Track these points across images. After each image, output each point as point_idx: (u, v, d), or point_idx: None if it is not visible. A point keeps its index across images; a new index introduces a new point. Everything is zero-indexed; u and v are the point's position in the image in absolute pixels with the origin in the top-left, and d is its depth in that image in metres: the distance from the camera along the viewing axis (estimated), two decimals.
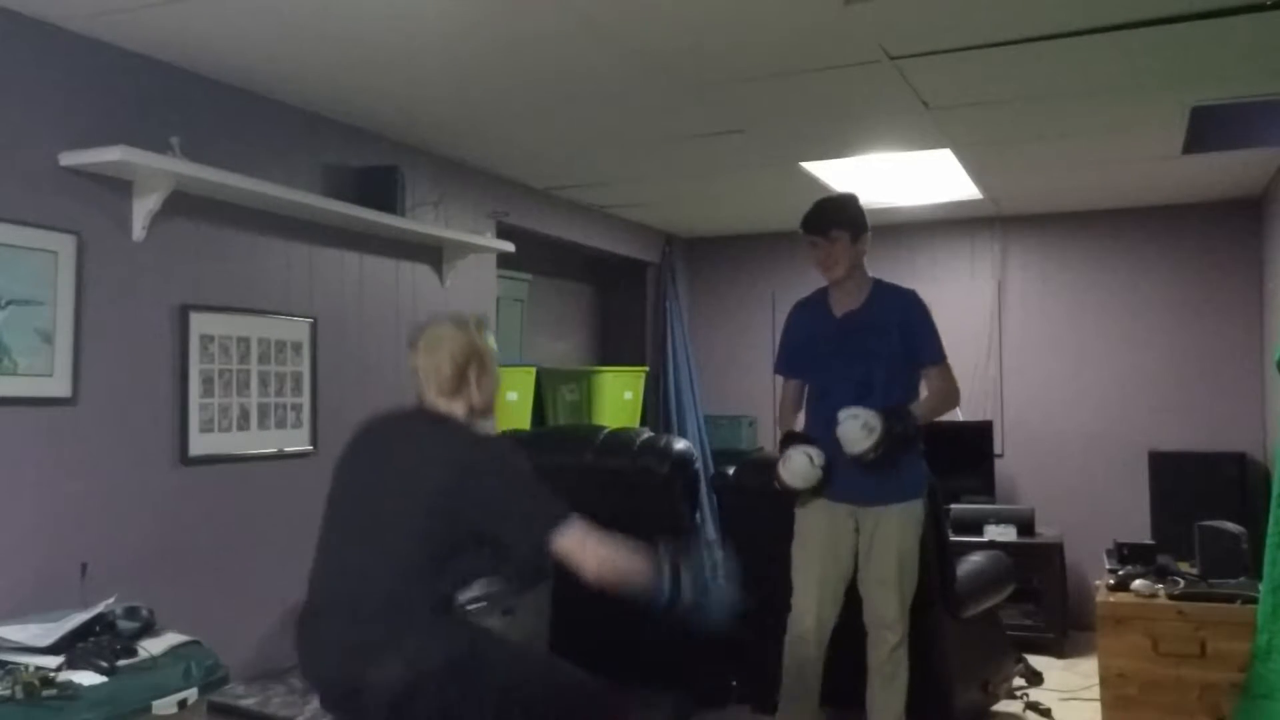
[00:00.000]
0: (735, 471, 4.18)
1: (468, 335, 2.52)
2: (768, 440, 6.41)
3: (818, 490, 3.29)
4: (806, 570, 3.35)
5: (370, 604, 2.35)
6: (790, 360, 3.55)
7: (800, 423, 3.49)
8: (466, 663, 2.33)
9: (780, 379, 3.63)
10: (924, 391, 3.42)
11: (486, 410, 2.58)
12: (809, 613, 3.32)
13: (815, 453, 3.23)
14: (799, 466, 3.25)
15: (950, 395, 3.43)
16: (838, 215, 3.36)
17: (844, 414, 3.17)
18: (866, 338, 3.32)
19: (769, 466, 4.34)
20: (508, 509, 2.35)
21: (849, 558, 3.34)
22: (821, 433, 3.29)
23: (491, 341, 2.58)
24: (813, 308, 3.51)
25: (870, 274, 3.44)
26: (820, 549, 3.33)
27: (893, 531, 3.30)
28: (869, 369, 3.28)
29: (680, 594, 2.38)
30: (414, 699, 2.29)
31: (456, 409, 2.51)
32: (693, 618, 2.42)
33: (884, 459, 3.16)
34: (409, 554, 2.35)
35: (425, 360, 2.51)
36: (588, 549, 2.31)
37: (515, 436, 2.50)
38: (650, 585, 2.35)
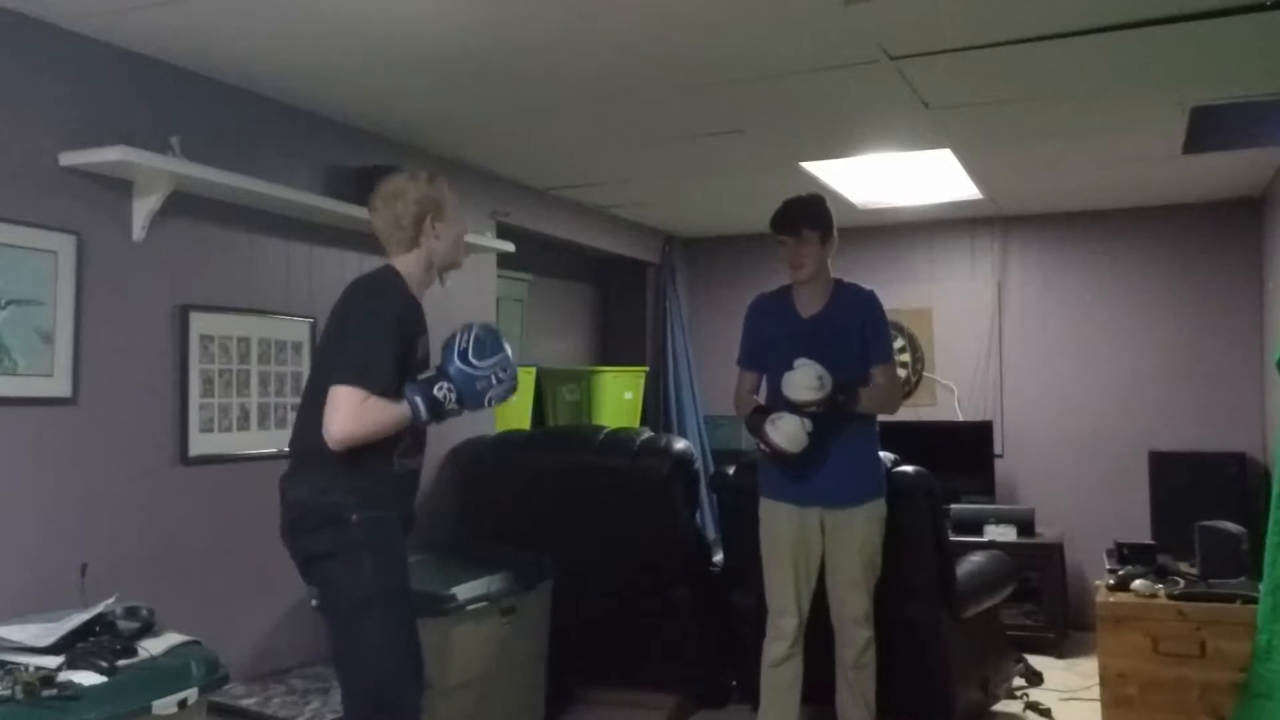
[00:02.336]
0: (735, 471, 4.18)
1: (421, 187, 2.67)
2: None
3: (793, 464, 3.31)
4: (783, 572, 3.40)
5: (297, 443, 2.62)
6: (754, 355, 3.59)
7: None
8: (352, 531, 2.49)
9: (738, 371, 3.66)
10: None
11: (452, 259, 2.76)
12: (792, 614, 3.38)
13: (806, 420, 3.26)
14: (792, 428, 3.25)
15: (893, 393, 3.53)
16: (809, 215, 3.41)
17: (800, 361, 3.25)
18: (832, 340, 3.37)
19: None
20: (340, 339, 2.51)
21: (818, 559, 3.40)
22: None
23: (446, 192, 2.72)
24: (777, 305, 3.55)
25: (834, 274, 3.50)
26: (794, 551, 3.38)
27: (859, 531, 3.37)
28: (834, 372, 3.30)
29: (437, 412, 2.54)
30: (297, 531, 2.58)
31: (412, 263, 2.67)
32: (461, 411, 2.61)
33: (817, 416, 3.24)
34: (319, 388, 2.50)
35: (385, 214, 2.67)
36: (339, 408, 2.41)
37: (397, 289, 2.62)
38: (405, 419, 2.50)
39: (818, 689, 3.47)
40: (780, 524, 3.42)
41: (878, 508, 3.42)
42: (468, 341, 2.57)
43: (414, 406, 2.49)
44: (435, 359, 2.65)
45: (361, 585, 2.50)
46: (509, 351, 2.63)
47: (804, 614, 3.39)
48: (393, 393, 2.47)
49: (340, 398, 2.41)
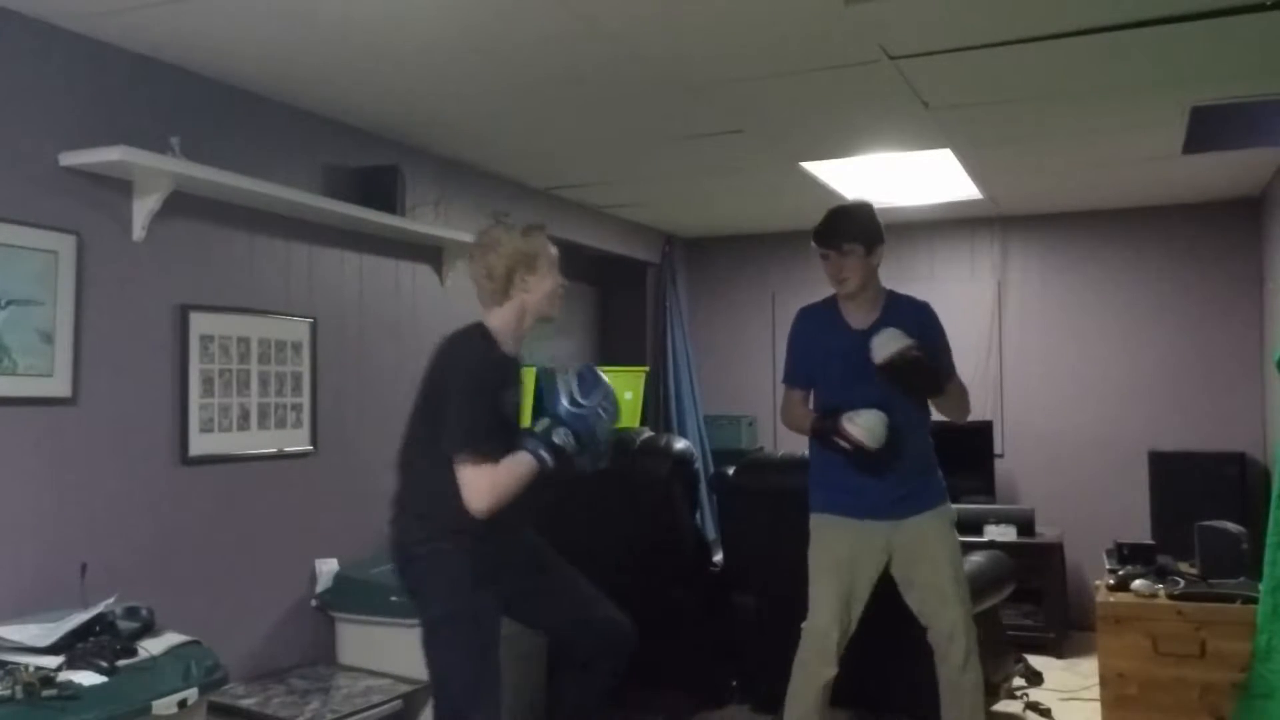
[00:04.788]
0: (735, 471, 4.18)
1: (514, 240, 2.73)
2: (768, 440, 6.41)
3: (870, 465, 3.11)
4: (830, 585, 3.20)
5: (397, 488, 2.74)
6: (800, 372, 3.37)
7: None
8: (420, 564, 2.67)
9: (784, 386, 3.42)
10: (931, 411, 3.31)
11: (546, 311, 2.80)
12: (832, 629, 3.18)
13: (883, 414, 3.07)
14: (872, 421, 3.04)
15: (965, 395, 3.30)
16: (851, 227, 3.20)
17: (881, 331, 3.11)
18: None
19: (769, 466, 4.34)
20: (446, 413, 2.60)
21: (873, 577, 3.21)
22: (831, 459, 3.17)
23: (541, 244, 2.76)
24: (823, 317, 3.33)
25: (883, 283, 3.30)
26: (846, 565, 3.20)
27: (935, 538, 3.18)
28: (889, 389, 3.11)
29: (561, 457, 2.62)
30: (396, 568, 2.77)
31: (505, 315, 2.73)
32: (585, 459, 2.73)
33: (904, 371, 3.05)
34: (410, 444, 2.72)
35: (477, 266, 2.75)
36: (476, 486, 2.54)
37: (479, 350, 2.67)
38: (533, 472, 2.61)
39: (853, 694, 3.36)
40: (833, 541, 3.22)
41: (948, 513, 3.24)
42: (573, 383, 2.67)
43: (539, 458, 2.58)
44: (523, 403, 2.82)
45: (426, 612, 2.68)
46: (608, 383, 2.71)
47: (849, 631, 3.19)
48: (500, 452, 2.60)
49: (470, 476, 2.54)
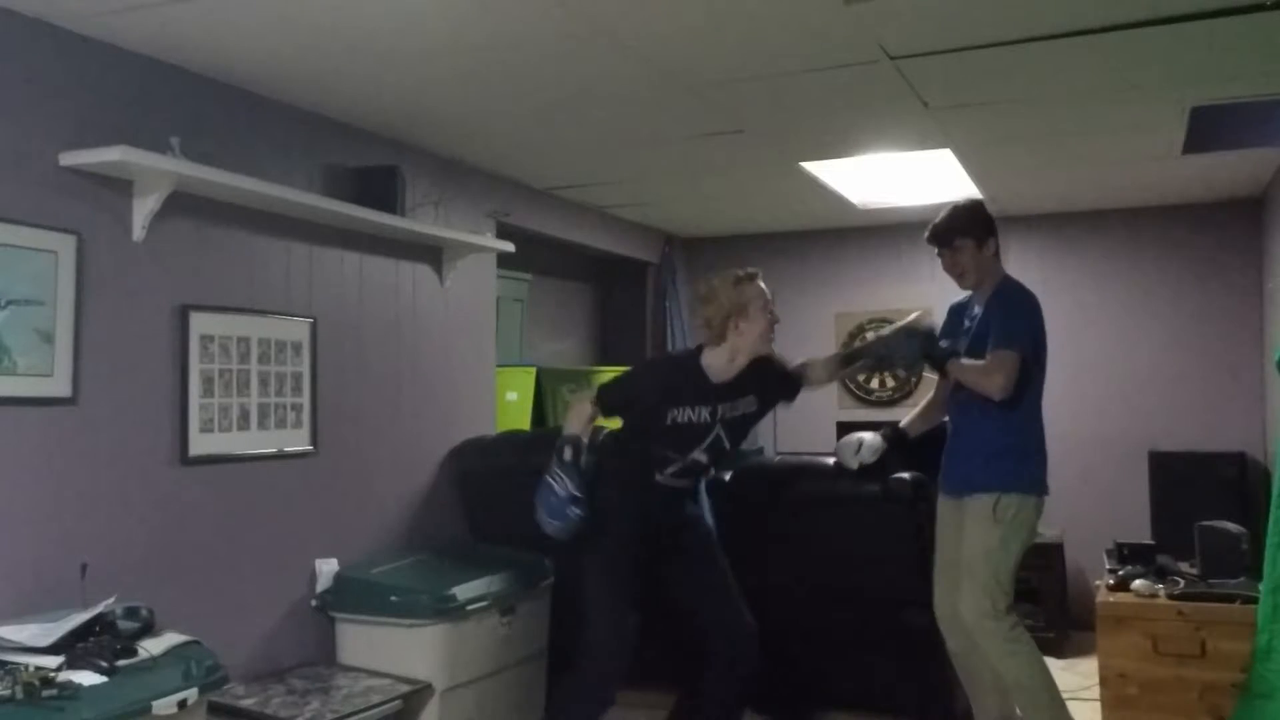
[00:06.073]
0: (734, 473, 4.18)
1: (728, 292, 3.14)
2: (767, 440, 6.41)
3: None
4: (936, 560, 3.49)
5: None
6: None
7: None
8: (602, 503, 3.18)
9: None
10: None
11: (757, 349, 3.21)
12: (940, 603, 3.45)
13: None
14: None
15: (986, 372, 3.28)
16: (957, 224, 3.42)
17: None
18: (973, 343, 3.39)
19: (767, 468, 4.37)
20: None
21: (951, 552, 3.42)
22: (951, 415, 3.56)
23: (753, 293, 3.16)
24: (967, 302, 3.58)
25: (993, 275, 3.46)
26: (939, 538, 3.49)
27: (969, 519, 3.34)
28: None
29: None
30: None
31: (719, 354, 3.19)
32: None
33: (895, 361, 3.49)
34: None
35: (696, 319, 3.28)
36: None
37: (660, 374, 3.29)
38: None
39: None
40: (939, 510, 3.51)
41: (979, 505, 3.31)
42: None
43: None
44: None
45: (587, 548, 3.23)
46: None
47: (947, 605, 3.41)
48: (607, 413, 3.34)
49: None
